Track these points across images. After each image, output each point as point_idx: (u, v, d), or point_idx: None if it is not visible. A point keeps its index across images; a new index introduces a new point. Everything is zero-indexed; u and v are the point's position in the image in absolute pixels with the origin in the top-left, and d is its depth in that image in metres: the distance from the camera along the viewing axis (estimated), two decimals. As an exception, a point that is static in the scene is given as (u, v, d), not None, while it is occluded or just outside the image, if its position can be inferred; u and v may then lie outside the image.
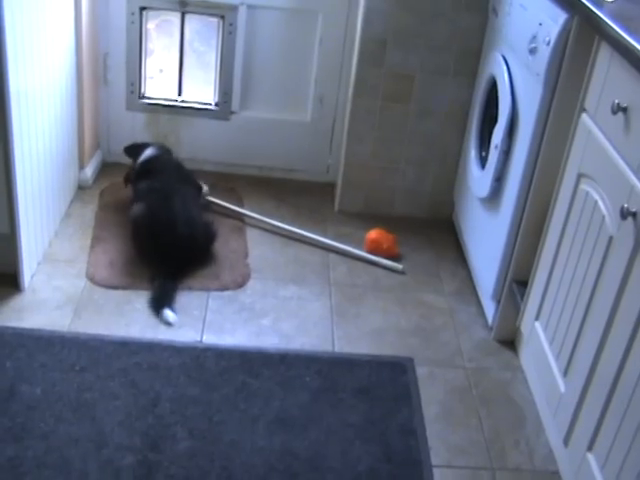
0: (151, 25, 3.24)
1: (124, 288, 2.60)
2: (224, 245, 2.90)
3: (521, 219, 2.38)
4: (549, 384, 2.11)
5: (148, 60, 3.28)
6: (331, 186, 3.39)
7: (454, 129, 3.11)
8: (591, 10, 1.93)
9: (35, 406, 2.08)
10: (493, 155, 2.55)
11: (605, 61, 1.90)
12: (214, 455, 2.00)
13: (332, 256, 2.94)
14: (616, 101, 1.77)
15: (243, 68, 3.25)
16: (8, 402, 2.08)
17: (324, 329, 2.54)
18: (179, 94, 3.34)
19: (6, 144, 2.30)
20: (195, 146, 3.27)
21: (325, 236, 3.02)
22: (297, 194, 3.33)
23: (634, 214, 1.68)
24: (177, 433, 2.05)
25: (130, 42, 3.19)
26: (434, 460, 2.09)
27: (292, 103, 3.33)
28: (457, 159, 3.16)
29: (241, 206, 3.15)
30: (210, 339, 2.43)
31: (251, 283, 2.72)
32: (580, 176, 2.01)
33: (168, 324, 2.47)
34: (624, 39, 1.73)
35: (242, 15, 3.14)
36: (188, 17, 3.21)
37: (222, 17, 3.16)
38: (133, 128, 3.34)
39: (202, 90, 3.35)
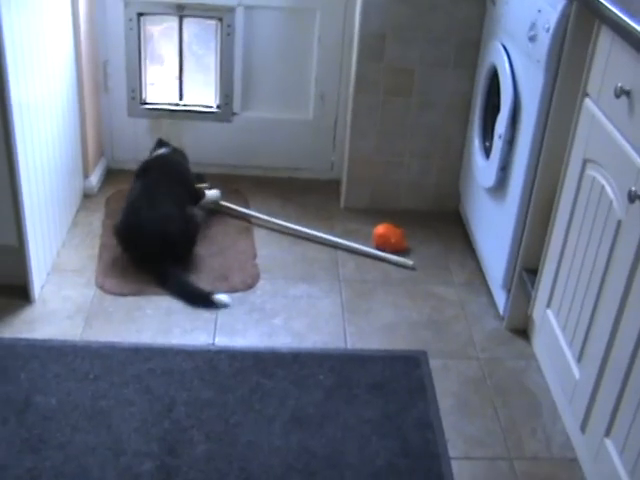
0: (156, 31, 3.24)
1: (134, 295, 2.60)
2: (232, 246, 2.90)
3: (528, 207, 2.37)
4: (563, 371, 2.11)
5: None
6: (336, 183, 3.39)
7: (456, 120, 3.11)
8: (589, -6, 1.93)
9: (51, 416, 2.08)
10: (497, 144, 2.54)
11: (606, 45, 1.89)
12: (232, 457, 2.00)
13: (340, 253, 2.94)
14: (619, 85, 1.76)
15: (243, 69, 3.25)
16: (24, 413, 2.08)
17: (336, 326, 2.54)
18: (180, 98, 3.34)
19: (10, 156, 2.30)
20: (198, 149, 3.26)
21: (332, 233, 3.02)
22: (302, 192, 3.33)
23: (642, 197, 1.67)
24: (194, 437, 2.05)
25: (129, 48, 3.20)
26: (452, 452, 2.09)
27: (293, 102, 3.33)
28: (461, 150, 3.15)
29: (247, 207, 3.15)
30: (222, 341, 2.43)
31: (261, 283, 2.72)
32: (586, 161, 2.01)
33: (225, 305, 2.56)
34: (625, 22, 1.72)
35: (240, 16, 3.14)
36: (186, 21, 3.20)
37: (220, 19, 3.16)
38: (136, 134, 3.34)
39: (203, 93, 3.35)
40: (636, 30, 1.66)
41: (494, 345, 2.51)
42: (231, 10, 3.13)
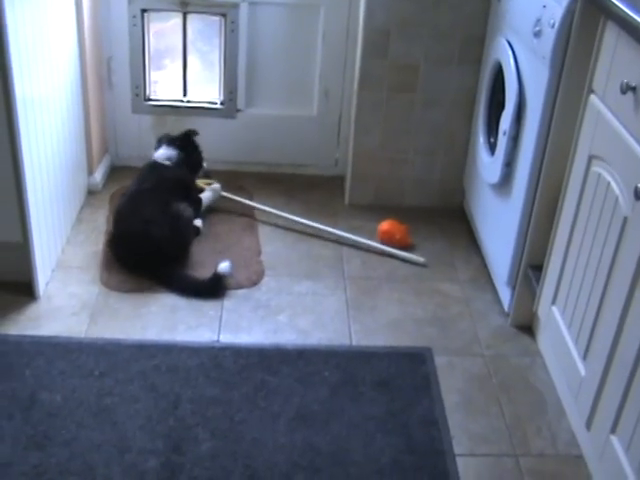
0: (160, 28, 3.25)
1: (139, 291, 2.60)
2: (237, 243, 2.90)
3: (533, 203, 2.37)
4: (569, 368, 2.10)
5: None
6: (340, 179, 3.39)
7: (461, 117, 3.10)
8: (595, -10, 1.92)
9: (56, 413, 2.08)
10: (502, 141, 2.54)
11: (612, 41, 1.88)
12: (237, 454, 2.00)
13: (345, 250, 2.94)
14: (625, 81, 1.76)
15: (247, 65, 3.25)
16: (29, 410, 2.09)
17: (341, 323, 2.54)
18: (184, 94, 3.34)
19: (15, 152, 2.30)
20: (203, 145, 3.25)
21: (337, 230, 3.01)
22: (306, 189, 3.33)
23: (648, 194, 1.67)
24: (199, 434, 2.05)
25: (133, 45, 3.19)
26: (457, 449, 2.09)
27: (298, 98, 3.33)
28: (465, 147, 3.14)
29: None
30: (227, 338, 2.43)
31: (265, 280, 2.72)
32: (591, 158, 2.00)
33: (229, 271, 2.63)
34: (631, 17, 1.71)
35: (244, 12, 3.13)
36: (190, 17, 3.20)
37: (224, 15, 3.16)
38: (140, 131, 3.34)
39: (207, 89, 3.35)
40: (642, 26, 1.66)
41: (499, 342, 2.50)
42: (235, 6, 3.13)
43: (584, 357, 2.01)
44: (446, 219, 3.18)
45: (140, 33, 3.18)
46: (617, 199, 1.83)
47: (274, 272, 2.77)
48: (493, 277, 2.77)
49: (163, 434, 2.04)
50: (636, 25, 1.69)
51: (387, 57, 2.97)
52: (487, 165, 2.73)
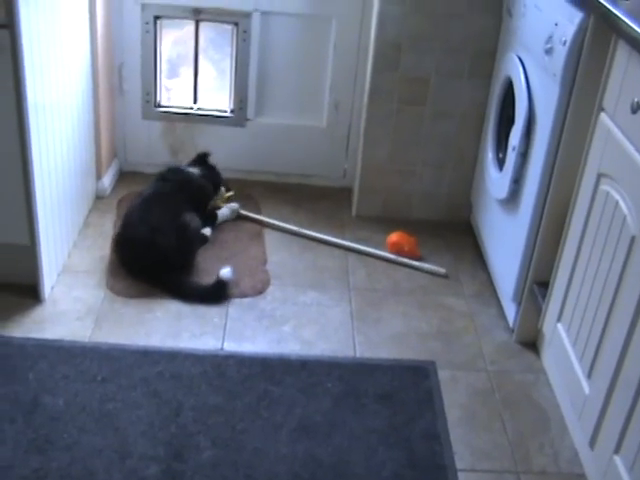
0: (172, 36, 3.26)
1: (144, 297, 2.60)
2: (243, 252, 2.90)
3: (540, 220, 2.37)
4: (573, 386, 2.10)
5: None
6: (348, 191, 3.39)
7: (470, 131, 3.10)
8: (607, 9, 1.92)
9: (58, 417, 2.08)
10: (511, 157, 2.54)
11: (623, 60, 1.88)
12: (238, 464, 2.00)
13: (351, 261, 2.93)
14: (636, 100, 1.76)
15: (258, 75, 3.25)
16: (32, 414, 2.09)
17: (345, 334, 2.53)
18: (194, 102, 3.35)
19: (25, 156, 2.31)
20: (211, 153, 3.26)
21: (345, 241, 3.01)
22: (314, 199, 3.33)
23: (656, 213, 1.66)
24: (200, 442, 2.05)
25: (145, 52, 3.20)
26: (459, 464, 2.08)
27: (307, 109, 3.34)
28: (474, 161, 3.15)
29: (258, 212, 3.15)
30: (231, 347, 2.43)
31: (271, 290, 2.72)
32: (600, 176, 2.00)
33: (230, 279, 2.64)
34: (642, 37, 1.72)
35: (256, 22, 3.14)
36: (202, 25, 3.21)
37: (236, 24, 3.17)
38: (149, 137, 3.35)
39: (217, 98, 3.35)
40: (654, 46, 1.66)
41: (503, 358, 2.50)
42: (247, 15, 3.14)
43: (589, 375, 2.00)
44: (453, 233, 3.18)
45: (152, 40, 3.19)
46: (625, 218, 1.83)
47: (280, 282, 2.77)
48: (498, 292, 2.77)
49: (165, 441, 2.04)
50: (648, 45, 1.69)
51: (398, 70, 2.98)
52: (495, 180, 2.73)
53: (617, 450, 1.81)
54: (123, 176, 3.36)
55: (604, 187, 1.97)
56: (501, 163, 2.71)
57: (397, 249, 2.97)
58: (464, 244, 3.11)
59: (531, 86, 2.46)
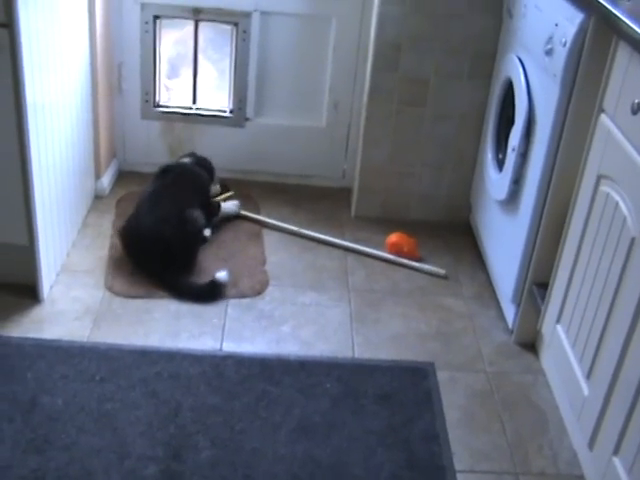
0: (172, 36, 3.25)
1: (142, 297, 2.60)
2: (241, 252, 2.89)
3: (540, 221, 2.36)
4: (572, 387, 2.09)
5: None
6: (347, 191, 3.39)
7: (470, 132, 3.10)
8: (608, 9, 1.91)
9: (56, 417, 2.08)
10: (510, 157, 2.54)
11: (624, 61, 1.88)
12: (236, 464, 2.00)
13: (350, 261, 2.93)
14: (636, 101, 1.76)
15: (257, 75, 3.25)
16: (30, 413, 2.08)
17: (344, 335, 2.53)
18: (194, 102, 3.34)
19: (23, 155, 2.30)
20: (210, 153, 3.25)
21: (344, 241, 3.01)
22: (313, 200, 3.33)
23: (657, 215, 1.66)
24: (199, 442, 2.04)
25: (144, 51, 3.20)
26: (457, 466, 2.08)
27: (307, 109, 3.33)
28: (473, 162, 3.14)
29: (257, 213, 3.15)
30: (230, 347, 2.42)
31: (269, 290, 2.71)
32: (600, 177, 2.00)
33: (226, 282, 2.63)
34: (643, 38, 1.71)
35: (255, 22, 3.14)
36: (202, 25, 3.21)
37: (235, 24, 3.17)
38: (148, 137, 3.35)
39: (217, 97, 3.35)
40: (655, 47, 1.66)
41: (502, 359, 2.49)
42: (247, 15, 3.13)
43: (588, 377, 2.00)
44: (452, 234, 3.18)
45: (152, 40, 3.19)
46: (625, 219, 1.83)
47: (278, 282, 2.76)
48: (498, 293, 2.77)
49: (163, 441, 2.04)
50: (649, 46, 1.69)
51: (397, 70, 2.97)
52: (495, 181, 2.73)
53: (616, 451, 1.81)
54: (122, 176, 3.36)
55: (604, 188, 1.97)
56: (501, 164, 2.71)
57: (397, 250, 2.97)
58: (463, 245, 3.11)
59: (531, 87, 2.45)
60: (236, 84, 3.28)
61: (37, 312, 2.48)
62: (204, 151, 3.24)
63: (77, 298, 2.57)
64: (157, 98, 3.32)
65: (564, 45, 2.16)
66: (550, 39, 2.26)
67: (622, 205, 1.86)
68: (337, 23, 3.15)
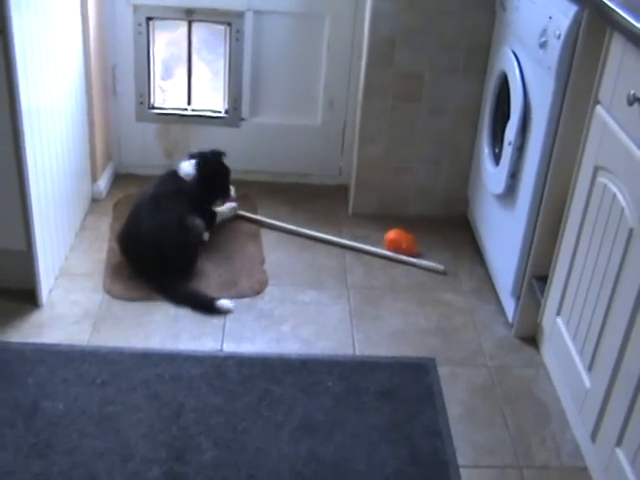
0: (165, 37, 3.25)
1: (142, 300, 2.60)
2: (240, 252, 2.89)
3: (538, 214, 2.36)
4: (574, 380, 2.09)
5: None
6: (344, 189, 3.38)
7: (466, 126, 3.10)
8: (601, 1, 1.91)
9: (58, 422, 2.08)
10: (507, 151, 2.53)
11: (618, 52, 1.88)
12: (240, 464, 1.99)
13: (349, 259, 2.93)
14: (632, 92, 1.75)
15: (252, 74, 3.25)
16: (32, 418, 2.08)
17: (344, 333, 2.53)
18: (188, 103, 3.34)
19: (19, 160, 2.30)
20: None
21: (342, 239, 3.01)
22: (310, 198, 3.33)
23: (654, 205, 1.66)
24: (202, 443, 2.04)
25: (138, 53, 3.19)
26: (460, 461, 2.08)
27: (302, 107, 3.33)
28: (470, 156, 3.14)
29: (255, 212, 3.14)
30: (230, 347, 2.42)
31: (269, 289, 2.71)
32: (597, 169, 1.99)
33: (228, 311, 2.56)
34: (638, 29, 1.71)
35: (249, 21, 3.14)
36: (195, 26, 3.20)
37: (229, 24, 3.16)
38: (144, 139, 3.34)
39: (212, 98, 3.35)
40: (649, 37, 1.66)
41: (503, 353, 2.49)
42: (240, 15, 3.13)
43: (589, 369, 2.00)
44: (450, 229, 3.17)
45: (145, 41, 3.18)
46: (623, 210, 1.83)
47: (277, 281, 2.76)
48: (497, 287, 2.77)
49: (166, 443, 2.04)
50: (643, 36, 1.69)
51: (392, 66, 2.97)
52: (492, 175, 2.73)
53: (619, 443, 1.81)
54: (118, 179, 3.35)
55: (601, 180, 1.97)
56: (497, 158, 2.71)
57: (395, 247, 2.97)
58: (461, 240, 3.11)
59: (526, 80, 2.45)
60: (231, 84, 3.28)
61: (36, 317, 2.48)
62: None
63: (76, 302, 2.56)
64: (152, 100, 3.32)
65: (558, 38, 2.16)
66: (544, 32, 2.26)
67: (619, 196, 1.85)
68: (331, 21, 3.15)
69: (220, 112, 3.34)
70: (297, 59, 3.24)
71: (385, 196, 3.23)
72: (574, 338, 2.11)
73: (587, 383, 2.00)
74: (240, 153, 3.36)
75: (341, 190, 3.39)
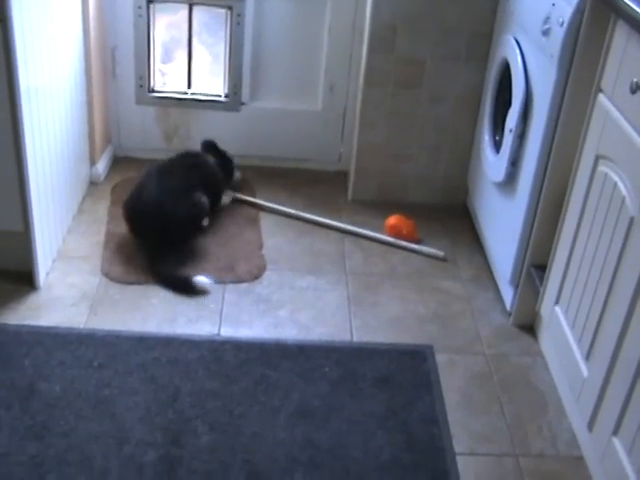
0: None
1: (139, 283, 2.59)
2: (239, 236, 2.88)
3: (538, 202, 2.35)
4: (571, 369, 2.09)
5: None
6: (344, 175, 3.37)
7: (466, 114, 3.08)
8: (605, -12, 1.90)
9: (55, 404, 2.07)
10: (508, 139, 2.52)
11: (622, 40, 1.86)
12: (236, 448, 1.99)
13: (347, 245, 2.92)
14: (635, 80, 1.75)
15: (252, 59, 3.23)
16: (28, 400, 2.08)
17: (342, 319, 2.53)
18: (188, 87, 3.32)
19: (18, 142, 2.29)
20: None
21: (341, 224, 3.01)
22: (310, 184, 3.32)
23: (656, 194, 1.65)
24: (198, 427, 2.04)
25: (138, 35, 3.17)
26: (457, 448, 2.08)
27: (302, 92, 3.31)
28: (470, 144, 3.13)
29: (254, 197, 3.14)
30: (227, 332, 2.42)
31: (267, 274, 2.70)
32: (598, 157, 1.99)
33: (206, 287, 2.57)
34: (641, 16, 1.70)
35: (250, 5, 3.12)
36: (196, 9, 3.18)
37: (230, 8, 3.14)
38: (143, 122, 3.33)
39: (212, 82, 3.33)
40: (653, 25, 1.64)
41: (501, 341, 2.49)
42: (241, -2, 3.12)
43: (587, 358, 2.00)
44: (449, 216, 3.17)
45: (145, 24, 3.16)
46: (624, 199, 1.82)
47: (276, 266, 2.75)
48: (495, 275, 2.76)
49: (162, 426, 2.03)
50: (647, 24, 1.68)
51: (393, 52, 2.95)
52: (492, 163, 2.72)
53: (616, 432, 1.81)
54: (117, 162, 3.34)
55: (602, 168, 1.96)
56: (498, 146, 2.70)
57: (396, 232, 2.96)
58: (461, 227, 3.10)
59: (528, 68, 2.44)
60: (231, 68, 3.26)
61: (34, 299, 2.47)
62: (199, 136, 3.23)
63: (74, 284, 2.56)
64: (152, 83, 3.30)
65: (561, 25, 2.14)
66: (547, 19, 2.25)
67: (621, 185, 1.85)
68: (332, 4, 3.13)
69: (220, 96, 3.33)
70: (298, 44, 3.22)
71: (385, 183, 3.22)
72: (572, 327, 2.11)
73: (585, 372, 2.00)
74: (239, 137, 3.35)
75: (340, 176, 3.38)
